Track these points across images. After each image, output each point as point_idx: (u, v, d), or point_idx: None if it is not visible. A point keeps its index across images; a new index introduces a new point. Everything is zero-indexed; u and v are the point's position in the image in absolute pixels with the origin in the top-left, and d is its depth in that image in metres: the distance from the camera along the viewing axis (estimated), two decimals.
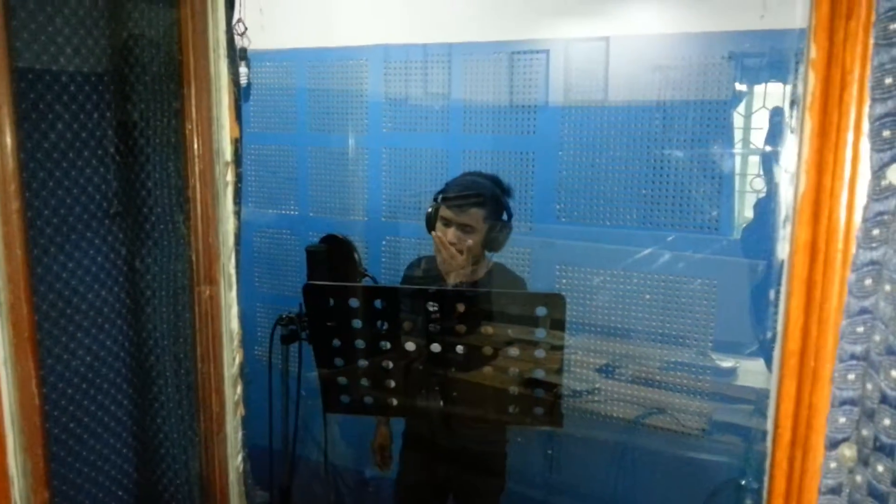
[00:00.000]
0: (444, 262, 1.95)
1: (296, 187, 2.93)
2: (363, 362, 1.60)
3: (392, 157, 2.72)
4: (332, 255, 1.89)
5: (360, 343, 1.57)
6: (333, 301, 1.55)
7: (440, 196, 1.99)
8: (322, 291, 1.57)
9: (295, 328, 1.84)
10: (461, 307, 1.58)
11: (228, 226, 0.85)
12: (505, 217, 1.99)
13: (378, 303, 1.55)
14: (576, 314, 2.41)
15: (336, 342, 1.57)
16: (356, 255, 1.91)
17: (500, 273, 2.06)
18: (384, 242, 2.78)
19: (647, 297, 2.32)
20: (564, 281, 2.46)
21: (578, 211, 2.41)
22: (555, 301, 1.48)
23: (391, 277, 2.36)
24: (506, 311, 1.60)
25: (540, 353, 1.49)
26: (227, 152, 0.85)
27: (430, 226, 2.01)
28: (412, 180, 2.69)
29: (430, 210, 2.01)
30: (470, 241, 1.92)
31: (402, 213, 2.73)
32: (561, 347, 1.50)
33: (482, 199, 1.93)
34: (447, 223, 1.94)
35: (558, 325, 1.48)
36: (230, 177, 0.86)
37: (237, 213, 0.89)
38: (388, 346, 1.57)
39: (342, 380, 1.61)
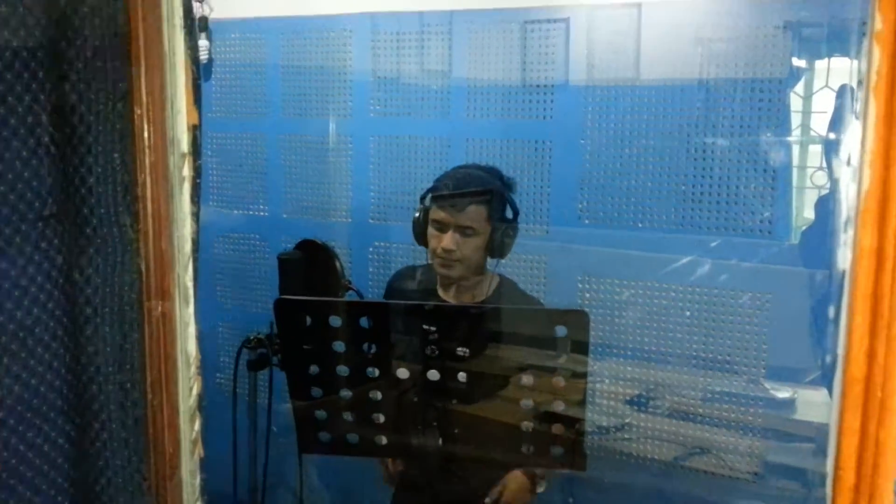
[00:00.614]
0: (443, 272, 1.96)
1: (266, 183, 2.94)
2: (346, 393, 1.61)
3: (381, 146, 2.72)
4: (309, 265, 1.91)
5: (342, 370, 1.58)
6: (310, 319, 1.57)
7: (430, 195, 2.00)
8: (297, 307, 1.58)
9: (265, 352, 1.84)
10: (464, 327, 1.60)
11: (185, 229, 0.86)
12: (510, 215, 2.00)
13: (364, 321, 1.57)
14: (602, 334, 2.41)
15: (314, 368, 1.58)
16: (338, 264, 1.92)
17: (509, 290, 2.07)
18: (371, 249, 2.78)
19: (688, 314, 2.33)
20: (588, 295, 2.46)
21: (605, 211, 2.42)
22: (576, 319, 1.50)
23: (380, 291, 2.37)
24: (518, 330, 1.62)
25: (559, 381, 1.50)
26: (184, 142, 0.86)
27: (419, 234, 2.02)
28: (406, 175, 2.70)
29: (417, 215, 2.01)
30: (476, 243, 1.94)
31: (394, 215, 2.73)
32: (584, 375, 1.51)
33: (484, 194, 1.94)
34: (441, 227, 1.95)
35: (581, 347, 1.49)
36: (187, 171, 0.86)
37: (195, 215, 0.89)
38: (377, 373, 1.58)
39: (321, 414, 1.62)
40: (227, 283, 3.04)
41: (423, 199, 2.02)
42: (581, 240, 2.46)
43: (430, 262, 2.02)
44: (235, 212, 2.99)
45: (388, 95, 2.70)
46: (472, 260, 1.96)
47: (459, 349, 1.57)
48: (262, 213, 2.97)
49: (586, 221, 2.45)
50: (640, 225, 2.38)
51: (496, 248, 1.97)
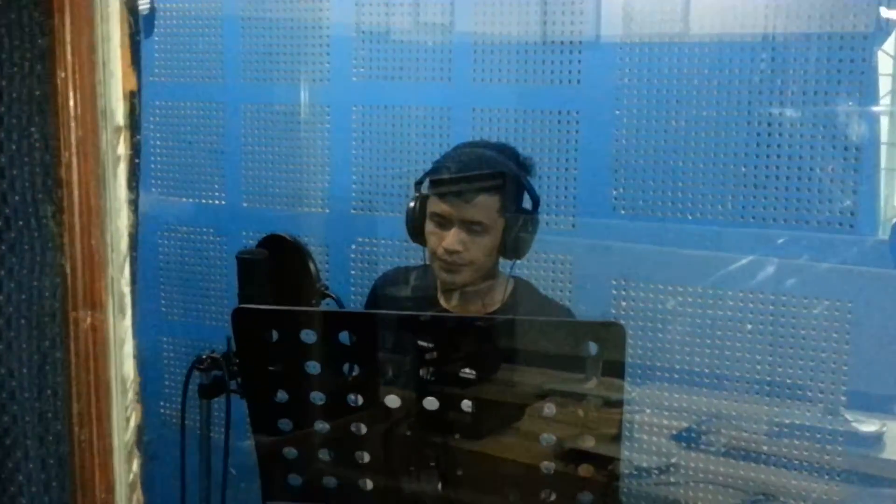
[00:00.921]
0: (447, 279, 1.95)
1: (222, 164, 2.93)
2: (322, 426, 1.60)
3: (366, 118, 2.73)
4: (277, 266, 1.90)
5: (317, 397, 1.58)
6: (278, 333, 1.55)
7: (427, 181, 2.00)
8: (261, 319, 1.57)
9: (221, 375, 1.85)
10: (469, 343, 1.59)
11: (120, 221, 0.85)
12: (528, 205, 2.02)
13: (345, 336, 1.55)
14: (642, 353, 2.41)
15: (282, 395, 1.58)
16: (312, 266, 1.93)
17: (528, 297, 2.08)
18: (354, 246, 2.78)
19: (749, 327, 2.32)
20: (624, 304, 2.46)
21: (645, 199, 2.42)
22: (611, 333, 1.50)
23: (363, 299, 2.36)
24: (537, 347, 1.61)
25: (588, 411, 1.50)
26: (119, 112, 0.85)
27: (415, 228, 2.02)
28: (397, 154, 2.70)
29: (412, 205, 2.01)
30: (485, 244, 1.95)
31: (383, 204, 2.73)
32: (620, 403, 1.51)
33: (495, 180, 1.94)
34: (443, 222, 1.96)
35: (616, 368, 1.49)
36: (123, 148, 0.85)
37: (133, 203, 0.88)
38: (360, 401, 1.57)
39: (291, 452, 1.61)
40: (173, 290, 3.04)
41: (419, 184, 2.02)
42: (616, 235, 2.46)
43: (428, 263, 2.02)
44: (184, 200, 2.98)
45: (374, 55, 2.69)
46: (481, 262, 1.97)
47: (464, 371, 1.55)
48: (217, 202, 2.96)
49: (622, 212, 2.45)
50: (689, 216, 2.38)
51: (511, 246, 1.97)
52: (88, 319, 0.87)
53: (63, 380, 0.88)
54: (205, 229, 2.99)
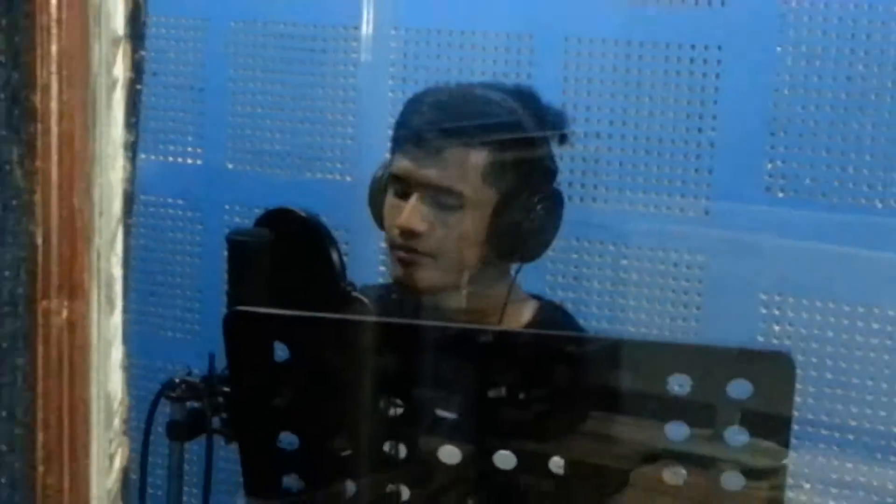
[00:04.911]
0: (402, 277, 1.96)
1: (202, 109, 2.96)
2: (349, 486, 1.61)
3: (414, 47, 2.74)
4: (283, 253, 1.88)
5: (339, 443, 1.60)
6: (289, 351, 1.52)
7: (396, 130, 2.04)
8: (265, 329, 1.55)
9: (199, 407, 1.85)
10: (560, 376, 1.58)
11: (114, 173, 0.84)
12: (540, 176, 1.99)
13: (385, 355, 1.53)
14: (813, 403, 2.40)
15: (289, 440, 1.56)
16: (334, 255, 1.88)
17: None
18: None
19: None
20: (779, 328, 2.45)
21: (818, 177, 2.40)
22: (772, 368, 1.48)
23: None
24: (654, 387, 1.54)
25: (734, 482, 1.45)
26: (119, 15, 0.84)
27: (375, 204, 2.07)
28: None
29: (378, 173, 2.05)
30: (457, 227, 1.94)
31: None
32: (778, 473, 1.48)
33: (480, 126, 1.92)
34: (402, 189, 1.96)
35: (776, 422, 1.46)
36: (122, 68, 0.85)
37: (132, 147, 0.88)
38: (403, 452, 1.57)
39: None
40: (137, 284, 3.04)
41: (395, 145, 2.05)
42: (771, 226, 2.44)
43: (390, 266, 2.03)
44: (146, 157, 2.97)
45: None
46: (453, 256, 1.94)
47: (553, 419, 1.56)
48: (192, 161, 2.99)
49: (780, 194, 2.44)
50: (878, 205, 2.37)
51: (505, 238, 1.93)
52: (64, 312, 0.87)
53: (24, 398, 0.87)
54: (172, 200, 3.02)
